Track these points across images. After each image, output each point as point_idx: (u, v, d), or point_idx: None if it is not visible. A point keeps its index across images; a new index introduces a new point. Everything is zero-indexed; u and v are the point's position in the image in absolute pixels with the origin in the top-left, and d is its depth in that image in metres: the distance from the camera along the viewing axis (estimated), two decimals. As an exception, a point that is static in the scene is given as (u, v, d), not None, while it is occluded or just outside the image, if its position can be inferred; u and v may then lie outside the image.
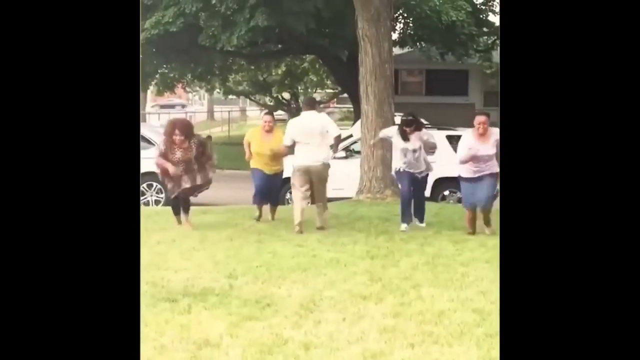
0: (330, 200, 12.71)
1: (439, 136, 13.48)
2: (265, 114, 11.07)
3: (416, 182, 9.97)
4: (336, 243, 8.56)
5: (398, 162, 9.98)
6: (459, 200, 12.90)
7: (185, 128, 9.81)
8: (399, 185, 10.24)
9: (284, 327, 5.37)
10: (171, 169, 9.66)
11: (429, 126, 15.46)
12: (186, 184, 9.82)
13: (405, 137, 9.83)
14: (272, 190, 10.65)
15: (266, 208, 10.66)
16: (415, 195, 9.98)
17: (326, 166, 9.67)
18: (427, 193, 12.85)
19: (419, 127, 9.98)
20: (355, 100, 18.54)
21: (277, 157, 10.44)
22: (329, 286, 6.48)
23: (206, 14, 17.55)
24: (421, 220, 10.06)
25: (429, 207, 11.26)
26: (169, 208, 12.79)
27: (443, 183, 13.04)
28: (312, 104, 10.16)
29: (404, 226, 9.67)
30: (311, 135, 9.52)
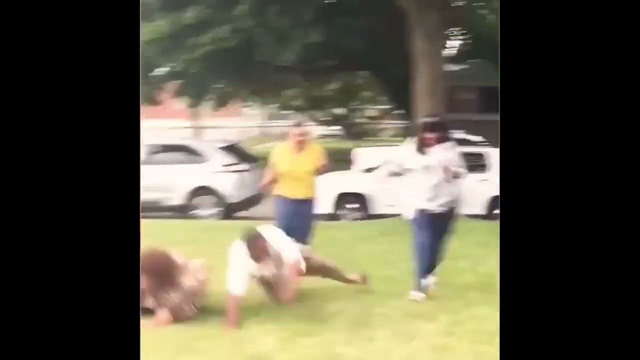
0: (382, 216, 12.73)
1: (495, 154, 13.40)
2: (295, 125, 8.22)
3: (437, 224, 6.75)
4: (388, 261, 8.54)
5: (414, 198, 6.79)
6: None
7: (162, 271, 6.09)
8: (414, 234, 6.86)
9: (336, 343, 5.37)
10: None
11: (486, 143, 15.38)
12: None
13: (422, 149, 6.71)
14: (300, 224, 7.85)
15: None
16: (433, 243, 6.79)
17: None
18: (482, 211, 12.81)
19: (445, 138, 6.74)
20: (409, 116, 18.49)
21: (311, 177, 8.09)
22: (381, 303, 6.46)
23: (262, 30, 17.72)
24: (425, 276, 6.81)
25: (483, 226, 11.16)
26: (225, 222, 12.95)
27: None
28: None
29: (415, 294, 6.69)
30: None
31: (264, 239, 6.06)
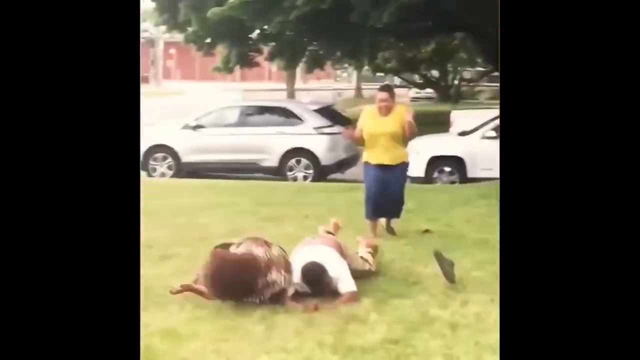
0: (479, 180, 12.54)
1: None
2: (381, 89, 8.00)
3: None
4: (484, 224, 8.42)
5: None
6: None
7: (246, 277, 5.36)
8: None
9: (431, 305, 5.35)
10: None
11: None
12: None
13: None
14: (389, 194, 7.83)
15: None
16: None
17: None
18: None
19: None
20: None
21: (399, 140, 7.89)
22: (477, 267, 6.39)
23: (356, -9, 17.56)
24: None
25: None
26: (319, 184, 13.02)
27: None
28: None
29: None
30: None
31: (324, 271, 5.53)
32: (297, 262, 5.64)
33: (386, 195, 7.79)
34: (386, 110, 7.74)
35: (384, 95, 7.77)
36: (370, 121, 7.85)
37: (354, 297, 5.48)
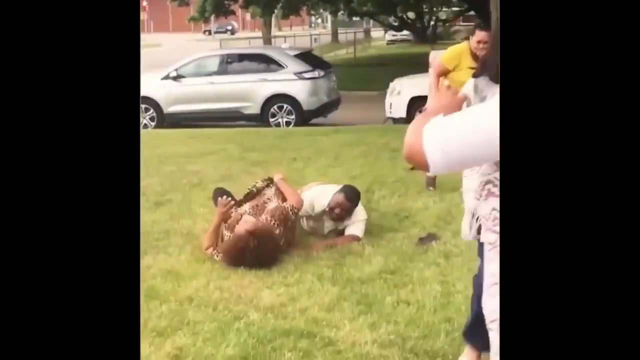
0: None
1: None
2: (480, 27, 6.39)
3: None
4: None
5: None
6: None
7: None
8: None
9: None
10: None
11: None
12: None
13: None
14: None
15: None
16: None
17: None
18: None
19: None
20: (483, 17, 18.08)
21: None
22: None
23: None
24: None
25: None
26: (304, 129, 13.07)
27: None
28: None
29: None
30: None
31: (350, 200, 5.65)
32: (318, 194, 5.79)
33: None
34: (482, 53, 5.98)
35: (483, 35, 6.19)
36: (467, 68, 6.21)
37: (356, 239, 5.53)
